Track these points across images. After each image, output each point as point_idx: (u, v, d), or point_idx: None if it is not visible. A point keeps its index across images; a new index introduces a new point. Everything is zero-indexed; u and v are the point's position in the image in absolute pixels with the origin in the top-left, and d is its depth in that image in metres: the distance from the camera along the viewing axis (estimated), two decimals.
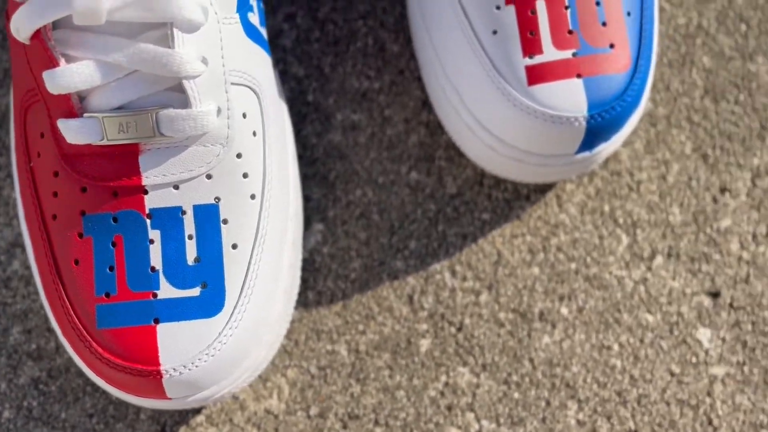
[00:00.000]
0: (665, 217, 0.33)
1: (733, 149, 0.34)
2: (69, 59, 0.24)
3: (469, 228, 0.33)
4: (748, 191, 0.34)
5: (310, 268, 0.32)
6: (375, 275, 0.32)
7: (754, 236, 0.33)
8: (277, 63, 0.34)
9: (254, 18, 0.27)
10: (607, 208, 0.33)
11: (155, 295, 0.25)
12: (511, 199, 0.33)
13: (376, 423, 0.31)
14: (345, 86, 0.34)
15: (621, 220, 0.33)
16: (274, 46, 0.34)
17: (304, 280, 0.32)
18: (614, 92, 0.28)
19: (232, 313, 0.26)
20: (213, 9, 0.25)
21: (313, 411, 0.31)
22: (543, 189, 0.33)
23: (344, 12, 0.35)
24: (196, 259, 0.26)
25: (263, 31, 0.28)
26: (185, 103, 0.24)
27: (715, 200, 0.34)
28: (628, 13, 0.29)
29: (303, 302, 0.32)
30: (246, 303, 0.26)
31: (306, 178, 0.33)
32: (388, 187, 0.33)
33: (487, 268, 0.32)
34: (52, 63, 0.24)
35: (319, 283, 0.32)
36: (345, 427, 0.31)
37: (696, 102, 0.35)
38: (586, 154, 0.29)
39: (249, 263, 0.26)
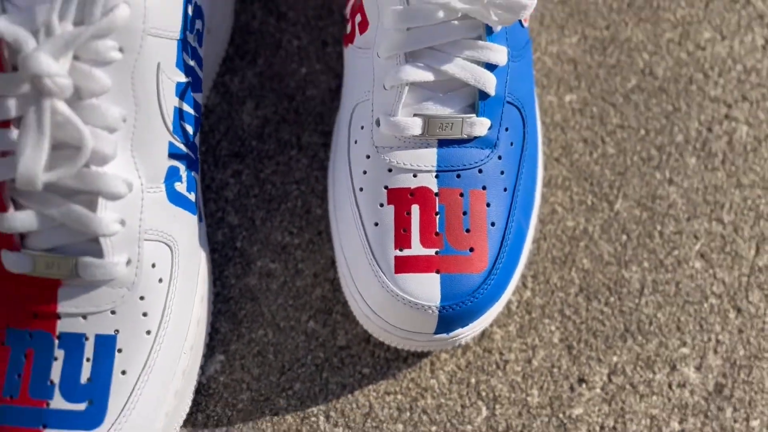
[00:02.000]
0: (524, 397, 0.37)
1: (596, 345, 0.38)
2: (17, 206, 0.30)
3: (349, 379, 0.37)
4: (603, 385, 0.38)
5: (204, 392, 0.37)
6: (259, 409, 0.37)
7: (602, 427, 0.37)
8: (216, 211, 0.41)
9: (181, 186, 0.34)
10: (473, 380, 0.38)
11: (48, 404, 0.30)
12: (392, 359, 0.38)
13: None
14: (270, 238, 0.40)
15: (484, 394, 0.37)
16: (218, 197, 0.41)
17: (197, 403, 0.37)
18: (467, 289, 0.33)
19: (110, 428, 0.31)
20: (140, 181, 0.31)
21: None
22: (420, 354, 0.38)
23: (283, 175, 0.41)
24: (89, 379, 0.31)
25: (191, 196, 0.35)
26: (101, 254, 0.31)
27: (572, 389, 0.38)
28: (492, 224, 0.34)
29: (192, 422, 0.36)
30: (123, 422, 0.31)
31: (218, 314, 0.38)
32: (287, 331, 0.38)
33: (357, 418, 0.37)
34: (3, 208, 0.30)
35: (209, 407, 0.37)
36: None
37: (570, 298, 0.39)
38: (443, 335, 0.34)
39: (133, 388, 0.31)
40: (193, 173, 0.35)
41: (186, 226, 0.34)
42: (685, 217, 0.41)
